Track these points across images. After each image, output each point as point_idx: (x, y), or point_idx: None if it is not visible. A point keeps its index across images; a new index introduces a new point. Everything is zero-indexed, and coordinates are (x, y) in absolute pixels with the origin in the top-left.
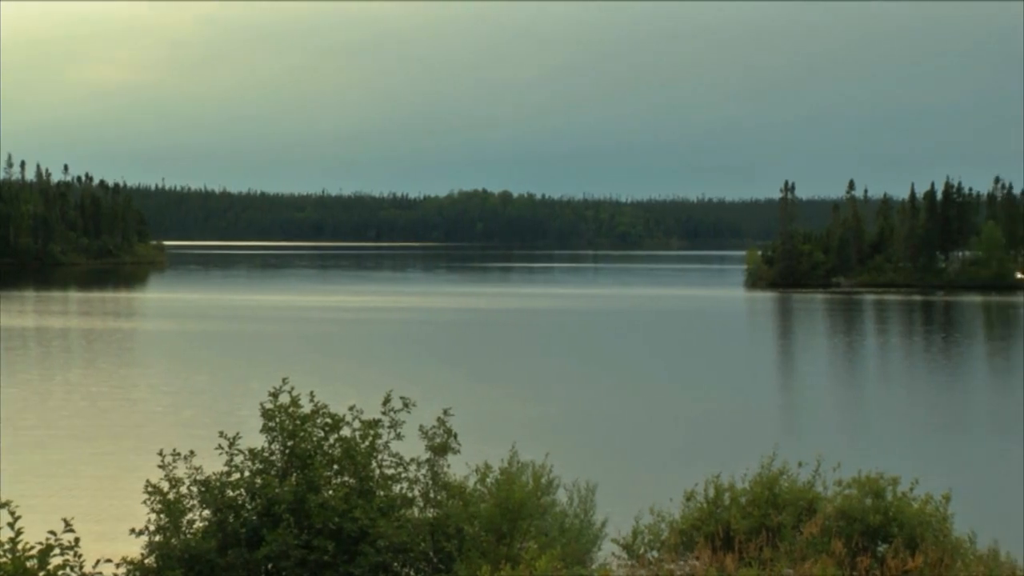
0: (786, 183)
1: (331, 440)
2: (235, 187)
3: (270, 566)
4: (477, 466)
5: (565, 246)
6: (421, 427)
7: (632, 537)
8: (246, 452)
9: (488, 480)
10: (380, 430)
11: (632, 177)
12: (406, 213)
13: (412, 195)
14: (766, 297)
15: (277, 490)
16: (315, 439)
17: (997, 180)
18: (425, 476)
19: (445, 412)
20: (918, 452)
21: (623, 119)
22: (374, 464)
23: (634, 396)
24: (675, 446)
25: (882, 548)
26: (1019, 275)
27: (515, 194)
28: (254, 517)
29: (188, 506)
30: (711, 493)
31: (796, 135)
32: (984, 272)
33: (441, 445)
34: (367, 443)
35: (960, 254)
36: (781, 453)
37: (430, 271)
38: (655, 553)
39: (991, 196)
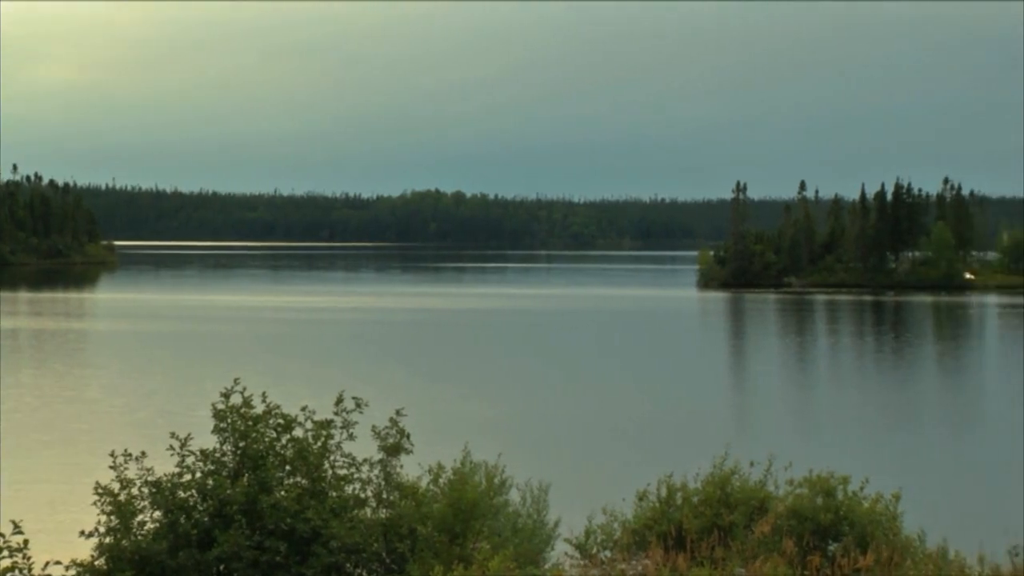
0: (738, 184)
1: (283, 441)
2: (186, 187)
3: (222, 567)
4: (430, 466)
5: (518, 246)
6: (374, 427)
7: (585, 537)
8: (198, 453)
9: (441, 480)
10: (333, 431)
11: (585, 177)
12: (359, 213)
13: (365, 195)
14: (718, 297)
15: (229, 491)
16: (267, 440)
17: (946, 181)
18: (378, 476)
19: (398, 412)
20: (868, 451)
21: (576, 120)
22: (326, 465)
23: (587, 396)
24: (628, 446)
25: (833, 547)
26: (968, 275)
27: (468, 194)
28: (206, 518)
29: (139, 507)
30: (663, 493)
31: (748, 136)
32: (933, 272)
33: (394, 445)
34: (319, 444)
35: (910, 254)
36: (733, 453)
37: (383, 271)
38: (608, 553)
39: (940, 197)
